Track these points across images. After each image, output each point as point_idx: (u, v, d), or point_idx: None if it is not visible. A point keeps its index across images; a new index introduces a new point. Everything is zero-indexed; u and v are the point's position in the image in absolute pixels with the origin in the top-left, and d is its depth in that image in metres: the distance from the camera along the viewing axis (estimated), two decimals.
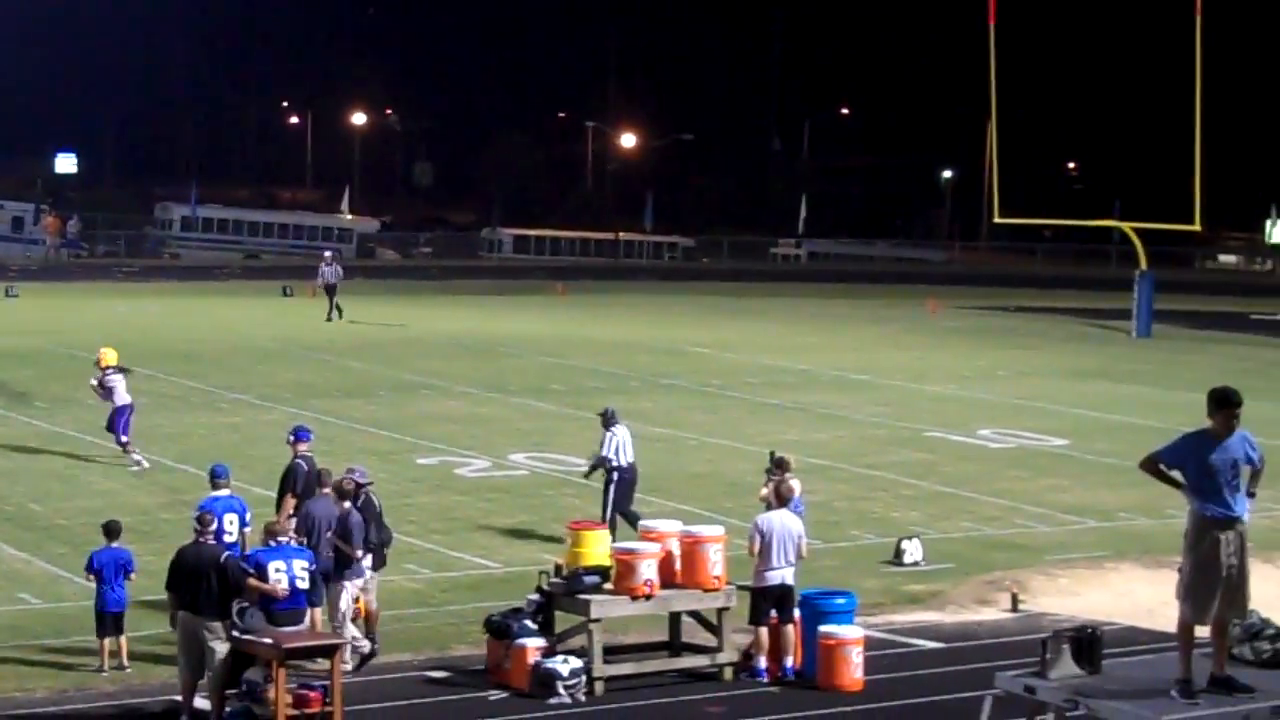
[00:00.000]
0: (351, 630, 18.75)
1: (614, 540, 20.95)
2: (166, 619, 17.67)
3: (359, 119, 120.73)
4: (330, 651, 17.32)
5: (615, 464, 24.70)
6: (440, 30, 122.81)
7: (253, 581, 17.17)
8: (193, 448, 31.13)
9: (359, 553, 18.76)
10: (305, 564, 17.53)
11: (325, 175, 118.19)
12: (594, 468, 25.09)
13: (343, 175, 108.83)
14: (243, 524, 19.53)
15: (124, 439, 29.60)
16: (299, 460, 21.63)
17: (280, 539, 17.74)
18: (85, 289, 64.52)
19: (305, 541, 18.37)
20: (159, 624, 18.50)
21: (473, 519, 26.55)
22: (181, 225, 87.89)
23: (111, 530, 18.94)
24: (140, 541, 20.82)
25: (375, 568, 19.65)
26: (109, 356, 30.49)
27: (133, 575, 18.81)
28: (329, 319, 52.70)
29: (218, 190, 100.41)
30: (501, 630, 18.46)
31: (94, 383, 30.46)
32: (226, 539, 18.77)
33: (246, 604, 17.18)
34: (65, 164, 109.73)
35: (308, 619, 17.73)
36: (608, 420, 25.03)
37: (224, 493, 19.91)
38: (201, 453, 29.67)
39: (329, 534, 18.86)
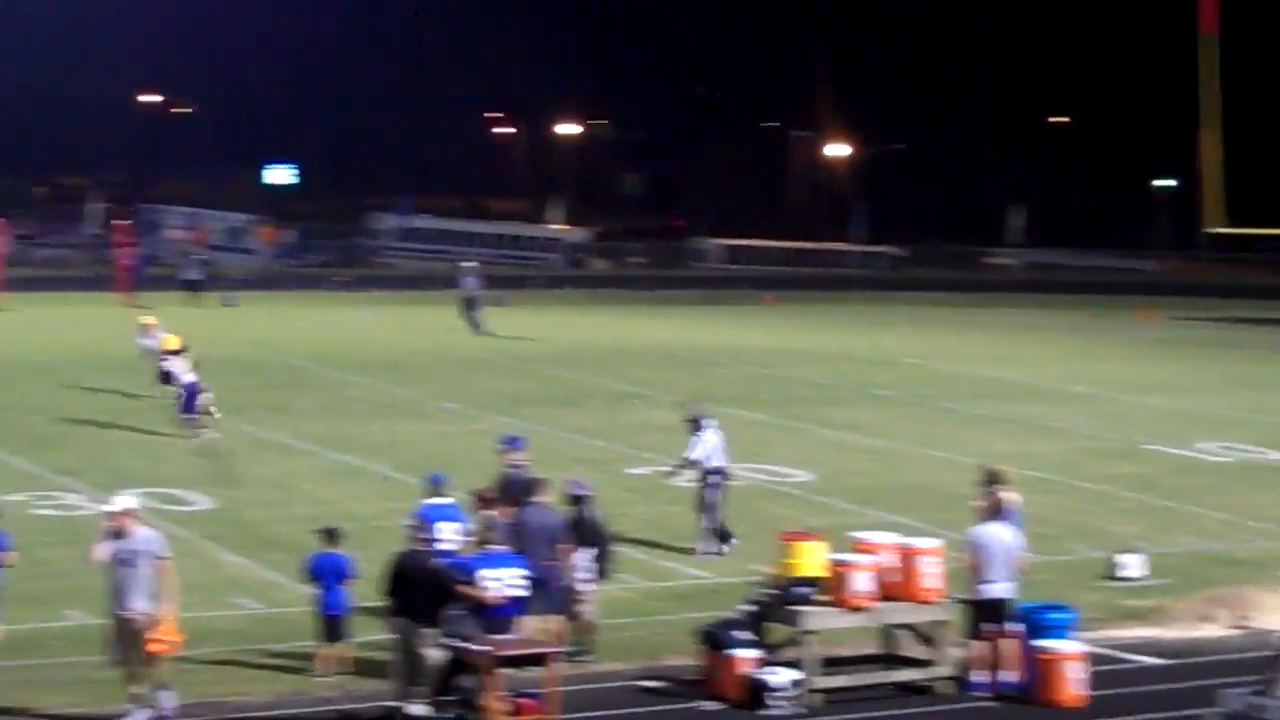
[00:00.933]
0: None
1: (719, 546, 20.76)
2: (384, 625, 17.81)
3: (569, 129, 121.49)
4: (544, 659, 17.34)
5: (707, 466, 24.75)
6: (650, 40, 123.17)
7: (466, 589, 17.24)
8: (406, 456, 31.39)
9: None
10: (518, 571, 17.58)
11: (536, 185, 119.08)
12: (678, 469, 25.02)
13: (553, 185, 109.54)
14: (460, 532, 19.61)
15: (190, 416, 30.38)
16: (511, 469, 21.73)
17: (493, 547, 17.81)
18: (300, 298, 65.48)
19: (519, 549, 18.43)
20: (377, 630, 18.63)
21: (684, 529, 26.46)
22: (394, 235, 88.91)
23: (332, 535, 19.13)
24: (358, 548, 20.92)
25: (596, 580, 19.68)
26: (170, 342, 32.12)
27: (352, 581, 19.00)
28: (475, 330, 52.10)
29: (430, 201, 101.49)
30: (715, 641, 18.37)
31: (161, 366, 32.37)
32: (443, 547, 18.86)
33: (460, 611, 17.26)
34: (282, 175, 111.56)
35: (521, 626, 17.76)
36: (696, 424, 25.06)
37: (441, 501, 20.02)
38: (415, 461, 29.91)
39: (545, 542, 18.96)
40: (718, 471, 24.90)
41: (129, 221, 70.18)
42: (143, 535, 17.34)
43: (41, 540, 24.32)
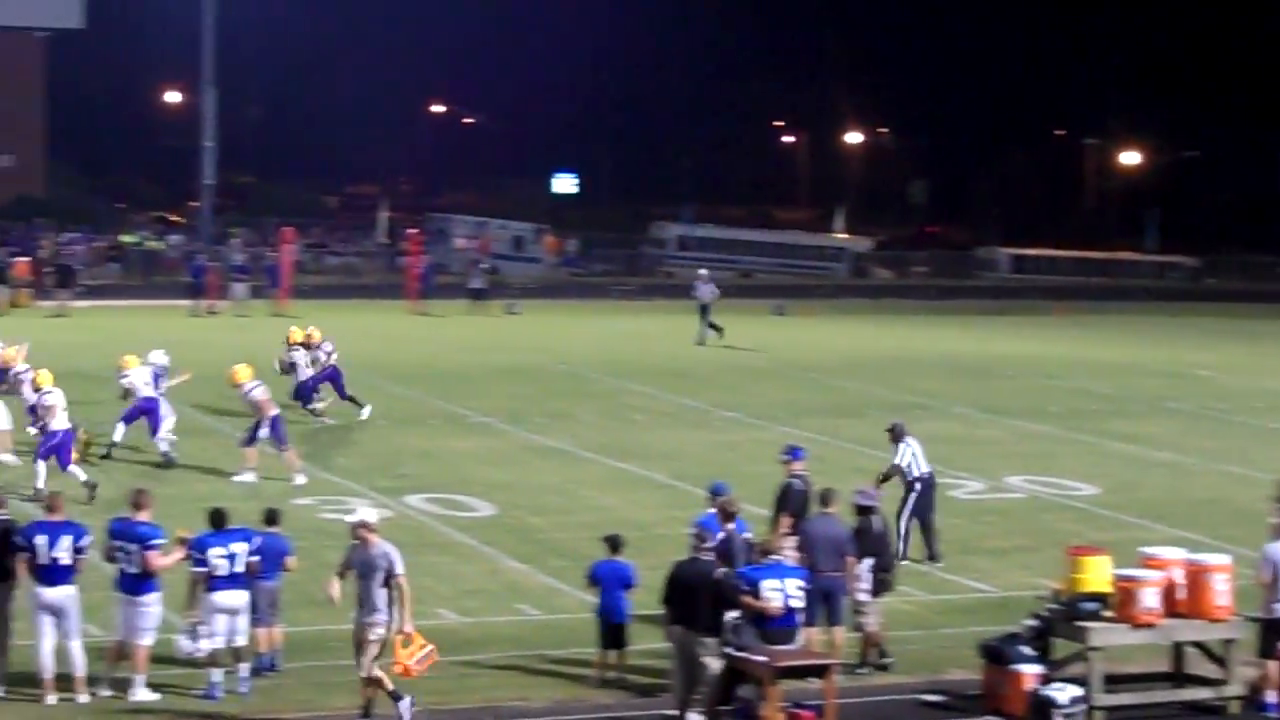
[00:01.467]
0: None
1: (904, 551, 20.21)
2: (663, 633, 17.79)
3: (854, 138, 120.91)
4: (823, 671, 17.17)
5: (913, 474, 24.58)
6: (936, 47, 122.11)
7: (747, 599, 17.14)
8: (687, 465, 31.39)
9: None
10: (799, 582, 17.45)
11: (819, 194, 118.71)
12: (887, 477, 24.79)
13: (837, 194, 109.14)
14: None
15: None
16: (793, 479, 21.61)
17: (774, 557, 17.69)
18: (583, 307, 65.98)
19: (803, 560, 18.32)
20: (657, 638, 18.61)
21: (968, 541, 26.09)
22: (677, 244, 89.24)
23: (614, 543, 19.16)
24: (638, 556, 20.97)
25: (878, 592, 19.48)
26: (296, 334, 33.24)
27: (633, 588, 19.03)
28: (701, 342, 51.77)
29: (713, 209, 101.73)
30: (998, 655, 18.04)
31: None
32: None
33: (740, 621, 17.17)
34: (565, 184, 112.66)
35: (801, 637, 17.62)
36: (897, 434, 24.96)
37: None
38: (696, 470, 29.91)
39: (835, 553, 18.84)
40: (922, 480, 24.79)
41: (418, 230, 71.35)
42: (379, 549, 17.39)
43: (328, 545, 24.68)
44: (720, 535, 18.63)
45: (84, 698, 17.91)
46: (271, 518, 19.19)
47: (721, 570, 17.52)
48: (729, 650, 17.12)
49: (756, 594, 17.17)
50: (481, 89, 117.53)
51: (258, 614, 18.65)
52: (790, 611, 17.30)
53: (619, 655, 18.99)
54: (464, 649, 20.22)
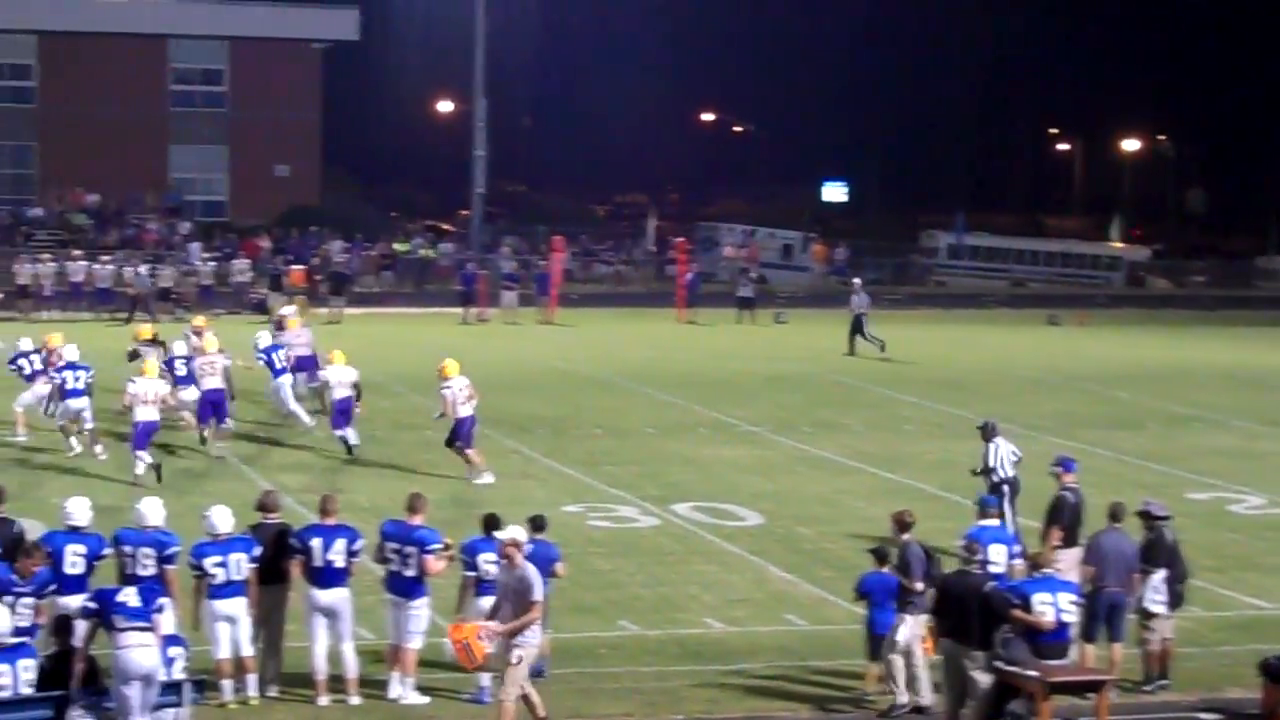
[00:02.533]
0: (897, 661, 18.16)
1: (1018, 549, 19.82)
2: (932, 646, 17.53)
3: (1130, 145, 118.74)
4: (1098, 687, 16.80)
5: (1000, 476, 24.53)
6: (1212, 53, 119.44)
7: (1018, 612, 16.83)
8: (956, 476, 30.92)
9: (918, 585, 18.22)
10: (1071, 596, 17.11)
11: (1094, 202, 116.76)
12: (981, 473, 24.93)
13: (1112, 202, 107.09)
14: (1010, 555, 19.19)
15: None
16: (1065, 491, 21.22)
17: (1046, 570, 17.36)
18: (848, 316, 65.36)
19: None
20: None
21: (1247, 557, 25.40)
22: (947, 253, 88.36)
23: (882, 554, 18.94)
24: None
25: (1173, 605, 19.07)
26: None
27: None
28: (850, 352, 50.76)
29: (984, 217, 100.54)
30: (1277, 673, 17.46)
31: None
32: (993, 569, 18.46)
33: (1011, 635, 16.86)
34: (834, 192, 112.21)
35: (1074, 652, 17.25)
36: (989, 433, 24.96)
37: (992, 522, 19.63)
38: (965, 481, 29.47)
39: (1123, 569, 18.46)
40: (1007, 481, 24.68)
41: (686, 239, 71.51)
42: (519, 571, 17.18)
43: (596, 551, 24.82)
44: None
45: (356, 699, 18.13)
46: (539, 524, 19.25)
47: (991, 584, 17.23)
48: (999, 664, 16.82)
49: (1028, 608, 16.85)
50: (752, 97, 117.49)
51: None
52: (1062, 626, 16.97)
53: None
54: (730, 658, 20.15)
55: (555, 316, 59.01)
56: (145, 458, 28.72)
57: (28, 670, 15.31)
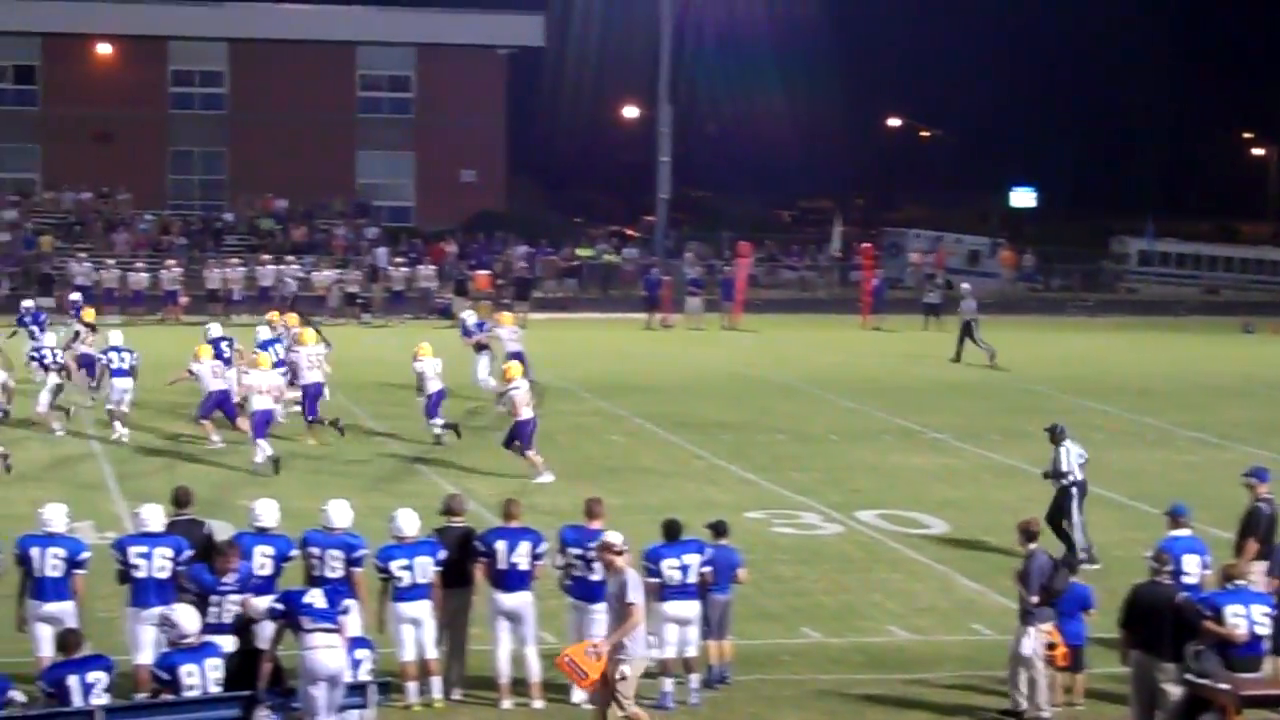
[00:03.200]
0: (1037, 675, 17.83)
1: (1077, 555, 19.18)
2: (1121, 658, 17.23)
3: None
4: None
5: (1072, 479, 24.56)
6: None
7: (1209, 624, 16.49)
8: (1146, 485, 30.51)
9: (1033, 598, 17.92)
10: (1265, 609, 16.74)
11: None
12: (1049, 475, 24.98)
13: None
14: (1203, 566, 18.81)
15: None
16: (1260, 503, 20.76)
17: (1239, 582, 16.98)
18: (1039, 322, 64.85)
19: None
20: (1113, 661, 18.05)
21: None
22: (1138, 259, 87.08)
23: (1071, 566, 18.67)
24: (1095, 578, 20.43)
25: None
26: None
27: (1091, 611, 18.54)
28: (956, 359, 49.65)
29: (1175, 224, 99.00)
30: None
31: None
32: (1185, 579, 18.11)
33: (1203, 647, 16.53)
34: (1023, 198, 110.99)
35: (1268, 666, 16.87)
36: (1058, 437, 24.92)
37: (1184, 533, 19.25)
38: (1156, 490, 29.05)
39: None
40: (1077, 484, 24.73)
41: (872, 244, 71.10)
42: (620, 576, 17.03)
43: (780, 558, 24.70)
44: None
45: (539, 703, 18.15)
46: (721, 530, 19.17)
47: (1183, 595, 16.90)
48: (1190, 677, 16.48)
49: (1220, 619, 16.50)
50: (938, 103, 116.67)
51: (709, 626, 18.65)
52: (1256, 639, 16.59)
53: (1075, 678, 18.51)
54: (914, 667, 19.96)
55: (740, 322, 58.92)
56: (265, 447, 29.77)
57: (215, 670, 15.47)
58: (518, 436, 29.71)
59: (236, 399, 31.85)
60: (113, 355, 33.30)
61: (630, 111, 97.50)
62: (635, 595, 16.88)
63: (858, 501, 28.94)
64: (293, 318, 38.53)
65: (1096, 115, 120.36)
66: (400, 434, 34.10)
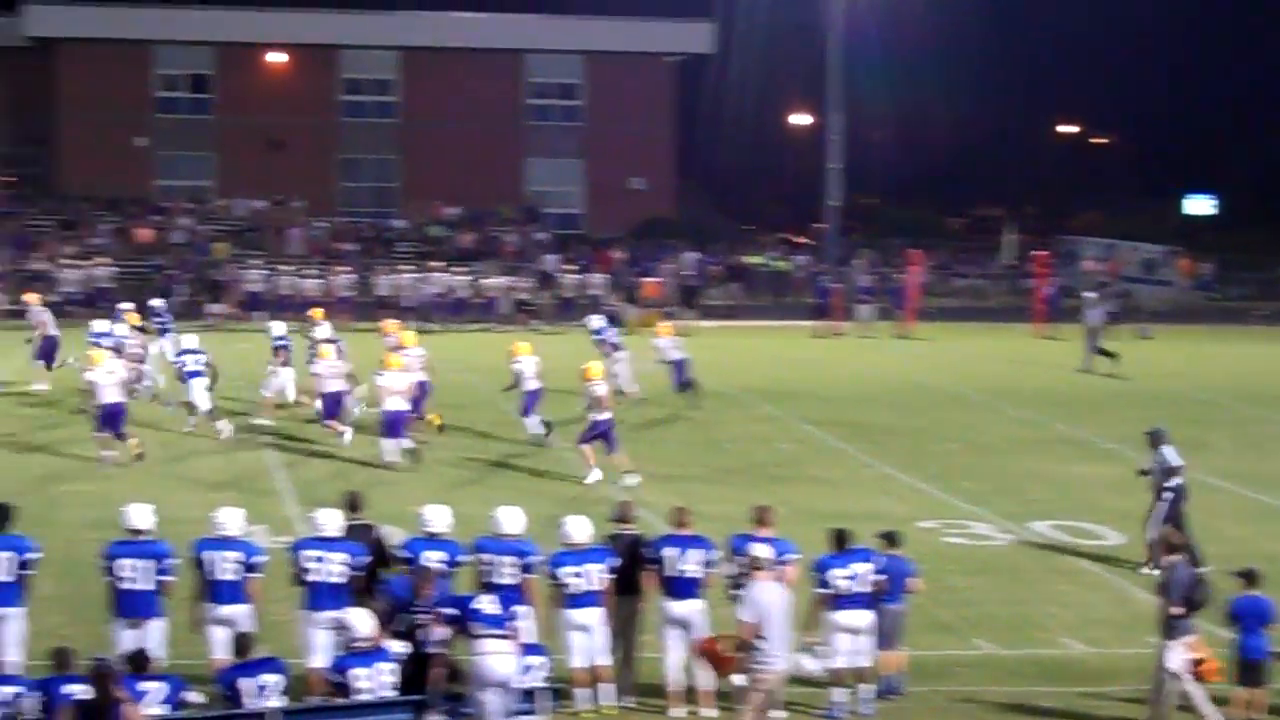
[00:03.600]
0: (1190, 688, 17.48)
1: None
2: None
3: None
4: None
5: (1177, 482, 24.46)
6: None
7: None
8: None
9: (1175, 610, 17.49)
10: None
11: None
12: (1148, 473, 24.75)
13: None
14: None
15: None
16: None
17: None
18: (1218, 332, 63.80)
19: None
20: None
21: None
22: None
23: (1252, 577, 18.25)
24: (1277, 590, 19.95)
25: None
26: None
27: (1274, 625, 18.13)
28: (1087, 369, 48.65)
29: None
30: None
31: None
32: None
33: None
34: (1199, 205, 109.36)
35: None
36: (1157, 440, 24.76)
37: None
38: None
39: None
40: (1179, 489, 24.59)
41: (1046, 253, 70.29)
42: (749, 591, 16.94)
43: (952, 568, 24.41)
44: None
45: (710, 712, 18.02)
46: (893, 540, 18.96)
47: None
48: None
49: None
50: (1112, 108, 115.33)
51: (882, 636, 18.45)
52: None
53: (1258, 693, 18.09)
54: (1089, 680, 19.65)
55: (912, 330, 58.51)
56: (404, 444, 30.97)
57: (387, 673, 15.51)
58: (595, 434, 30.02)
59: (369, 400, 33.13)
60: (186, 358, 34.33)
61: (799, 119, 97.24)
62: (745, 613, 16.79)
63: (1031, 512, 28.56)
64: (392, 324, 38.96)
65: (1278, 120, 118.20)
66: (570, 439, 34.17)
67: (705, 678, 18.14)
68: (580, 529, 18.20)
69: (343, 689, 15.37)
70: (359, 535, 18.23)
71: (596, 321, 41.29)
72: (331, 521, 18.01)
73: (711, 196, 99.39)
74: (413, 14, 77.48)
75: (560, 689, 16.89)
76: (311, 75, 77.15)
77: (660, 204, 79.58)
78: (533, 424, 33.45)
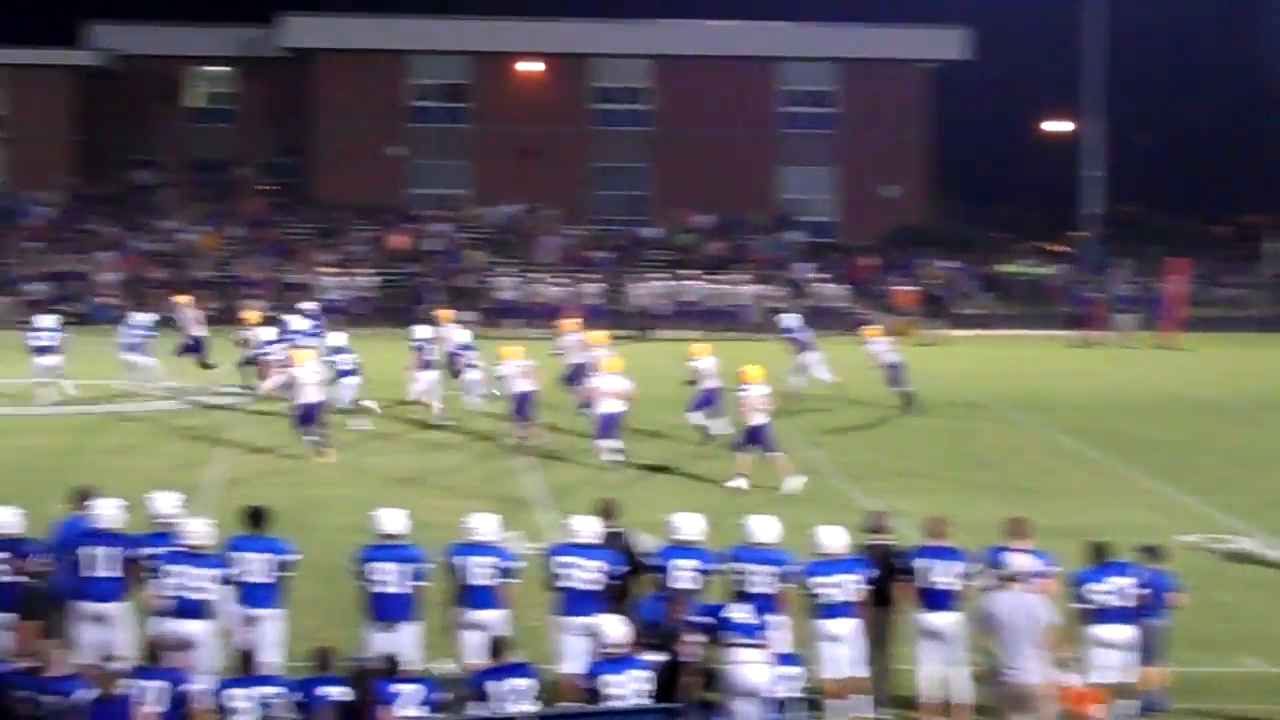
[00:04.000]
0: None
1: None
2: None
3: None
4: None
5: None
6: None
7: None
8: None
9: None
10: None
11: None
12: None
13: None
14: None
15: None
16: None
17: None
18: None
19: None
20: None
21: None
22: None
23: None
24: None
25: None
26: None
27: None
28: None
29: None
30: None
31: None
32: None
33: None
34: None
35: None
36: None
37: None
38: None
39: None
40: None
41: None
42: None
43: (1217, 583, 23.76)
44: None
45: None
46: (1155, 553, 18.49)
47: None
48: None
49: None
50: None
51: (1144, 651, 17.96)
52: None
53: None
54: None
55: (1175, 341, 57.33)
56: (612, 444, 31.61)
57: (640, 681, 15.40)
58: (753, 440, 29.88)
59: (582, 400, 34.44)
60: (339, 358, 35.74)
61: (1058, 124, 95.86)
62: (977, 625, 16.67)
63: None
64: (571, 323, 40.25)
65: None
66: (824, 446, 33.98)
67: (963, 691, 17.80)
68: (835, 538, 17.97)
69: (594, 695, 15.30)
70: (612, 543, 18.17)
71: (789, 319, 41.75)
72: (587, 528, 17.98)
73: (965, 204, 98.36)
74: (666, 22, 77.66)
75: (814, 700, 16.67)
76: (564, 84, 77.66)
77: (914, 212, 78.86)
78: (695, 418, 33.82)
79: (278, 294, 60.44)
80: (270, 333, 38.93)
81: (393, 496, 25.46)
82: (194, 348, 41.83)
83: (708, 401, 33.78)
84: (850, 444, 34.84)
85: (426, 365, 36.89)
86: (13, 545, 17.77)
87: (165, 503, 18.62)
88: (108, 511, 18.14)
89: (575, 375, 36.38)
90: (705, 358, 34.29)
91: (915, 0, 78.67)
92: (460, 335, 38.32)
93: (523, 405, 33.33)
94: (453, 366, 37.41)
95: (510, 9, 77.45)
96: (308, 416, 31.72)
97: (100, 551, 17.76)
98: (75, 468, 29.38)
